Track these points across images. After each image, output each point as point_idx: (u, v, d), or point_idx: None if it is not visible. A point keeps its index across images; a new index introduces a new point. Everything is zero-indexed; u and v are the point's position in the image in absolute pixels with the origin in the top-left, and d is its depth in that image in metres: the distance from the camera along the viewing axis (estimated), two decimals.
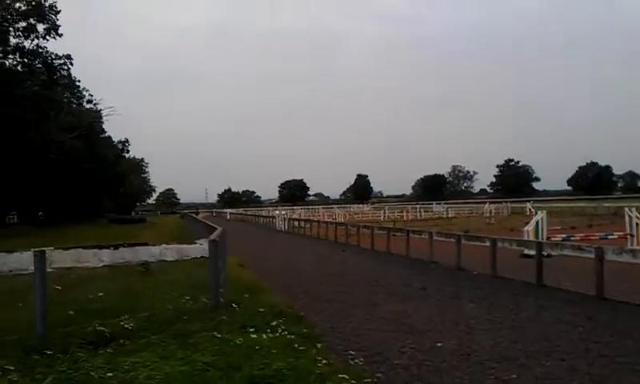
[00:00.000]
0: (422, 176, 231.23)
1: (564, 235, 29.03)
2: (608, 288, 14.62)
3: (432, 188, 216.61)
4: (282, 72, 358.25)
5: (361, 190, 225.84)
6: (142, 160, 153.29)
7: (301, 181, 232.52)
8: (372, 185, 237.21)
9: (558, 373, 8.39)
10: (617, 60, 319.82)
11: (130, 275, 15.77)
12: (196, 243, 12.35)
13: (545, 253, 18.12)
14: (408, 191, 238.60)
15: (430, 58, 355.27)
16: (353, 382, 7.14)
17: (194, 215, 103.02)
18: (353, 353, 9.66)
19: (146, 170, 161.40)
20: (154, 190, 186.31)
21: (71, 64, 62.98)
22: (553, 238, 24.83)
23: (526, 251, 20.99)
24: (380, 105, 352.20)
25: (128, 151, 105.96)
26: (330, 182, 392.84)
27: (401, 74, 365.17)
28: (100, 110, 79.08)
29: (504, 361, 9.10)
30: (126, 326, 9.42)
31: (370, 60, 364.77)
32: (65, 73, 63.86)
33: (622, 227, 28.37)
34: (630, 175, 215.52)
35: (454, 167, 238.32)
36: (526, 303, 14.04)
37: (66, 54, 61.60)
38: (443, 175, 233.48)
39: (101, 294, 12.49)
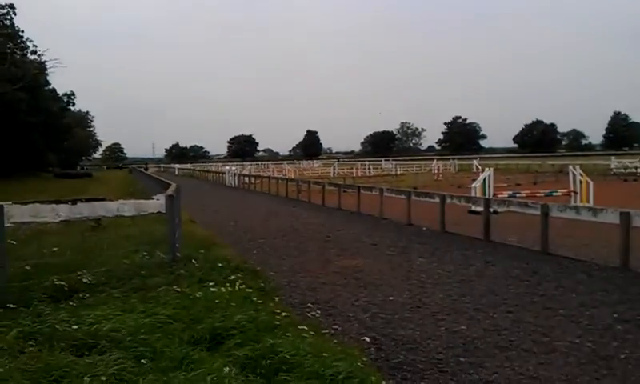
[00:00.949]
0: (371, 133, 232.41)
1: (510, 192, 29.61)
2: (553, 243, 15.14)
3: (381, 145, 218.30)
4: (232, 25, 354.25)
5: (310, 146, 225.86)
6: (87, 113, 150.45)
7: (250, 136, 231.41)
8: (321, 141, 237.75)
9: (504, 324, 8.76)
10: (566, 24, 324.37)
11: (83, 231, 15.68)
12: (153, 199, 12.40)
13: (492, 209, 18.56)
14: (357, 148, 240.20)
15: (380, 14, 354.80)
16: (312, 333, 7.36)
17: (142, 170, 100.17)
18: (309, 306, 9.92)
19: (92, 123, 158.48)
20: (100, 145, 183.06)
21: (14, 13, 61.16)
22: (499, 195, 25.35)
23: (474, 207, 21.45)
24: (330, 61, 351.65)
25: (74, 104, 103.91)
26: (279, 137, 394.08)
27: (352, 29, 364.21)
28: (45, 61, 76.82)
29: (454, 313, 9.45)
30: (84, 280, 9.44)
31: (320, 14, 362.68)
32: (8, 22, 61.97)
33: (566, 185, 29.10)
34: (574, 133, 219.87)
35: (403, 124, 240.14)
36: (474, 258, 14.45)
37: (9, 2, 59.75)
38: (392, 132, 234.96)
39: (55, 249, 12.38)
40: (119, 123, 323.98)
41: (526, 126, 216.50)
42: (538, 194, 27.38)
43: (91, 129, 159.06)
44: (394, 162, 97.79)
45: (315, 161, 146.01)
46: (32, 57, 76.04)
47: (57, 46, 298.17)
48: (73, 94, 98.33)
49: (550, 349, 7.65)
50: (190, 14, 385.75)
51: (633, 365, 7.07)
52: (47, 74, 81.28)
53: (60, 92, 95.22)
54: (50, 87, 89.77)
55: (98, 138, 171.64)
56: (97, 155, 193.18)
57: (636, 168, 59.38)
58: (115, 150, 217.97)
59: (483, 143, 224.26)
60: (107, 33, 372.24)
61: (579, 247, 15.54)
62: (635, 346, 7.68)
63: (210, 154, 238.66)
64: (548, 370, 6.91)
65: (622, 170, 62.00)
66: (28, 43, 74.66)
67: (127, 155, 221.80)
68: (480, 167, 43.50)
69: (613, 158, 75.77)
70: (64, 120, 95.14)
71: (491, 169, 28.45)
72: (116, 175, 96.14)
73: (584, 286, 11.25)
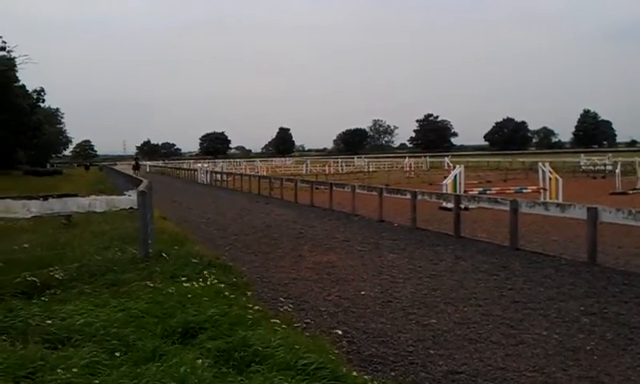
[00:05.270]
0: (344, 130, 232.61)
1: (481, 189, 29.89)
2: (522, 239, 15.34)
3: (353, 142, 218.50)
4: (205, 21, 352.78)
5: (283, 143, 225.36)
6: (57, 110, 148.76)
7: (222, 133, 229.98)
8: (294, 138, 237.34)
9: (474, 318, 8.91)
10: (537, 25, 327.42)
11: (54, 227, 15.58)
12: (125, 194, 12.38)
13: (462, 205, 18.74)
14: (329, 145, 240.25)
15: (353, 12, 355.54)
16: (284, 326, 7.42)
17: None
18: (282, 300, 10.02)
19: (62, 120, 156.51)
20: (71, 142, 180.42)
21: None
22: (470, 192, 25.56)
23: (445, 204, 21.66)
24: (303, 58, 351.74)
25: (43, 101, 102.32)
26: (251, 135, 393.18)
27: (324, 27, 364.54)
28: (14, 57, 75.78)
29: (424, 307, 9.58)
30: (56, 276, 9.41)
31: (293, 12, 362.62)
32: None
33: (536, 182, 29.43)
34: (545, 131, 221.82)
35: (375, 121, 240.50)
36: (444, 253, 14.60)
37: None
38: (364, 129, 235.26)
39: (26, 246, 12.34)
40: (90, 120, 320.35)
41: (496, 123, 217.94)
42: (508, 191, 27.65)
43: (61, 126, 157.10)
44: (366, 160, 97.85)
45: (288, 158, 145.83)
46: (1, 53, 75.01)
47: (26, 40, 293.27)
48: (43, 90, 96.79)
49: (518, 341, 7.80)
50: (162, 9, 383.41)
51: (598, 356, 7.23)
52: (16, 70, 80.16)
53: (30, 88, 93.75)
54: (20, 84, 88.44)
55: (68, 135, 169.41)
56: (67, 152, 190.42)
57: (604, 165, 60.01)
58: (86, 147, 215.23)
59: (455, 141, 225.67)
60: (79, 29, 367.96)
61: (548, 242, 15.81)
62: (601, 338, 7.86)
63: (182, 151, 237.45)
64: (516, 362, 7.05)
65: (591, 168, 62.64)
66: None
67: (98, 152, 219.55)
68: (451, 165, 43.56)
69: (582, 155, 76.63)
70: (34, 117, 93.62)
71: (462, 166, 28.68)
72: (85, 173, 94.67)
73: (552, 280, 11.43)
